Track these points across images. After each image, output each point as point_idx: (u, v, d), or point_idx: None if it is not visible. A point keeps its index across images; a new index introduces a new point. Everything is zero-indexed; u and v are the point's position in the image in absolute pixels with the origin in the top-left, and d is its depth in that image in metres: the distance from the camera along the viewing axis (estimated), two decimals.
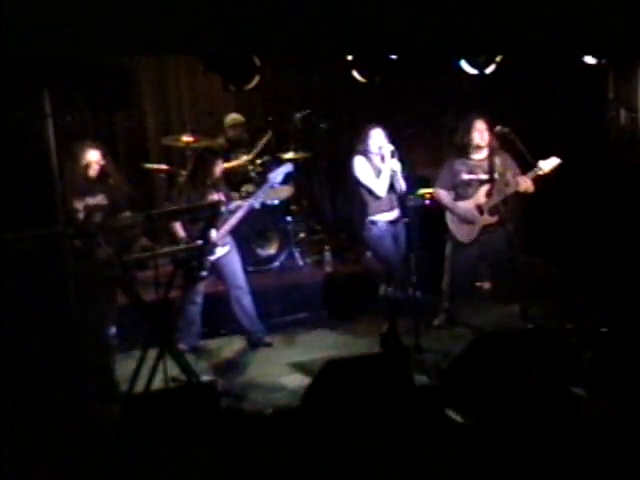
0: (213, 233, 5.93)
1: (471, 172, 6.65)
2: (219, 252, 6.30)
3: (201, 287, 6.42)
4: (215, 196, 6.35)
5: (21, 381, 4.69)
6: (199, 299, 6.50)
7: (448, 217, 6.71)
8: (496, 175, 6.59)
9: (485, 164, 6.63)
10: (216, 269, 6.39)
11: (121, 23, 4.28)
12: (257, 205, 6.54)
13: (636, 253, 7.43)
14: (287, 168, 6.73)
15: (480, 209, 6.63)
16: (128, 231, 5.93)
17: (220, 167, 6.50)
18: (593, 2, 4.67)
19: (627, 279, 7.19)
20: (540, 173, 6.51)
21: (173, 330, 5.87)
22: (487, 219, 6.63)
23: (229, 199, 6.58)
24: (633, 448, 3.16)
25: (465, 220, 6.67)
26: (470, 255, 6.74)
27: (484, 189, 6.62)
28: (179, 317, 6.36)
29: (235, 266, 6.56)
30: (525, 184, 6.53)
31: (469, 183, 6.66)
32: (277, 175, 6.64)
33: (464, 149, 6.66)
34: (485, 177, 6.62)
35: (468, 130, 6.60)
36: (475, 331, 6.55)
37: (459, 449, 3.28)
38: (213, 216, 5.74)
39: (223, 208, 6.21)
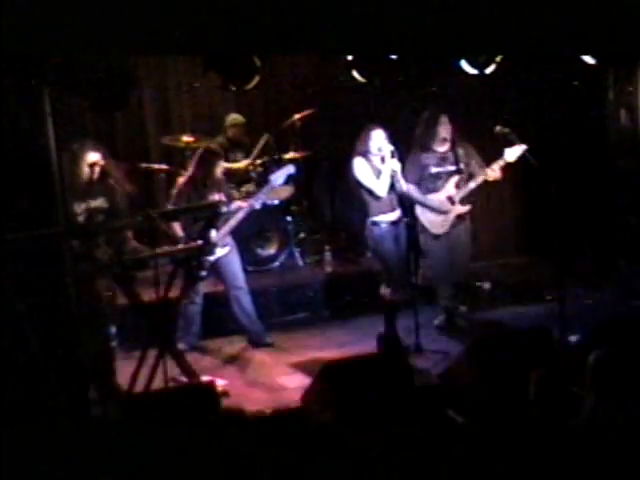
0: (213, 233, 5.93)
1: (439, 165, 6.71)
2: (219, 252, 6.29)
3: (201, 287, 6.42)
4: (216, 196, 6.34)
5: (21, 382, 4.69)
6: (199, 299, 6.51)
7: (419, 211, 6.71)
8: (462, 165, 6.69)
9: (451, 156, 6.72)
10: (216, 269, 6.38)
11: (121, 23, 4.28)
12: (258, 206, 6.55)
13: (635, 253, 7.43)
14: (289, 170, 6.72)
15: (452, 200, 6.69)
16: (120, 233, 5.90)
17: (221, 167, 6.50)
18: (593, 2, 4.68)
19: (626, 278, 7.19)
20: (507, 161, 6.57)
21: (173, 330, 5.87)
22: (459, 209, 6.72)
23: (230, 199, 6.57)
24: (635, 449, 3.16)
25: (438, 212, 6.71)
26: (443, 245, 6.78)
27: (453, 180, 6.70)
28: (179, 317, 6.36)
29: (235, 266, 6.56)
30: (494, 173, 6.64)
31: (438, 176, 6.72)
32: (279, 177, 6.63)
33: (427, 142, 6.67)
34: (453, 168, 6.71)
35: (434, 124, 6.64)
36: (475, 331, 6.56)
37: (459, 449, 3.27)
38: (213, 216, 5.74)
39: (224, 209, 6.21)
